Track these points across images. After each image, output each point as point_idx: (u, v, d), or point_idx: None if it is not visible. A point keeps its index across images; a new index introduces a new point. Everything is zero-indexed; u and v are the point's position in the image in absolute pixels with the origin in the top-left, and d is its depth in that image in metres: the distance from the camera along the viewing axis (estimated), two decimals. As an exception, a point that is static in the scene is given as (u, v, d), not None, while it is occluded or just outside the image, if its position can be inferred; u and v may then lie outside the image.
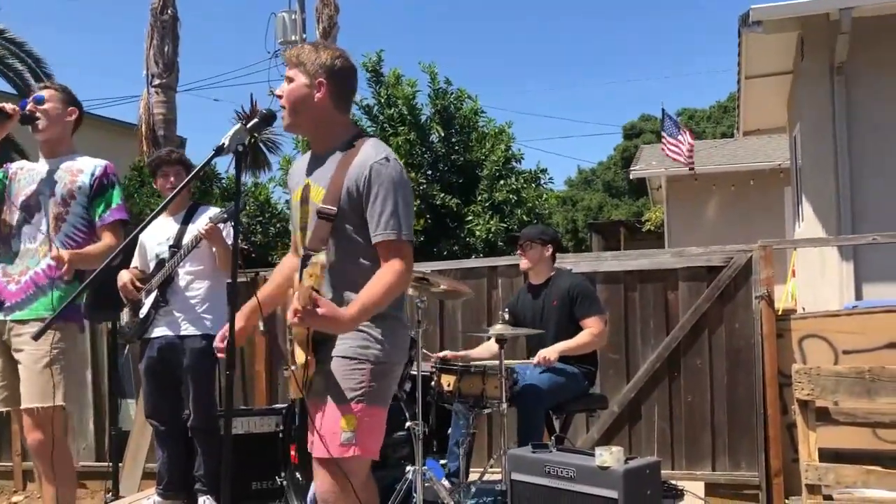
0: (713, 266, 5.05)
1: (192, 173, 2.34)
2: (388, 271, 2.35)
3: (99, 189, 3.48)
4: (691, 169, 14.01)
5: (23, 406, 3.27)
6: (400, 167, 2.44)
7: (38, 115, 3.44)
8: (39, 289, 3.36)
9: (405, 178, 2.42)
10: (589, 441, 5.05)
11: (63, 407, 3.29)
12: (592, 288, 4.50)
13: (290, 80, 2.46)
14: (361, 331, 2.39)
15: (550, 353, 4.07)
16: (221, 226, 4.16)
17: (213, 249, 4.24)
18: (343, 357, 2.39)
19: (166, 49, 12.61)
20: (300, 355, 2.42)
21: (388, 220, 2.35)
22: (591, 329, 4.20)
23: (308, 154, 2.60)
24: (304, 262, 2.41)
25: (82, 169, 3.50)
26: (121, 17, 52.73)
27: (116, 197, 3.53)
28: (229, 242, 4.28)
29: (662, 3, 55.46)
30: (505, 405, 3.77)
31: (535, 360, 4.10)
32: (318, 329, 2.34)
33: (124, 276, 4.23)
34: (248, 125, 2.32)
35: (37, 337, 2.57)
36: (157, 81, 12.59)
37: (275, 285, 2.69)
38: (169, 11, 12.63)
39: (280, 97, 2.47)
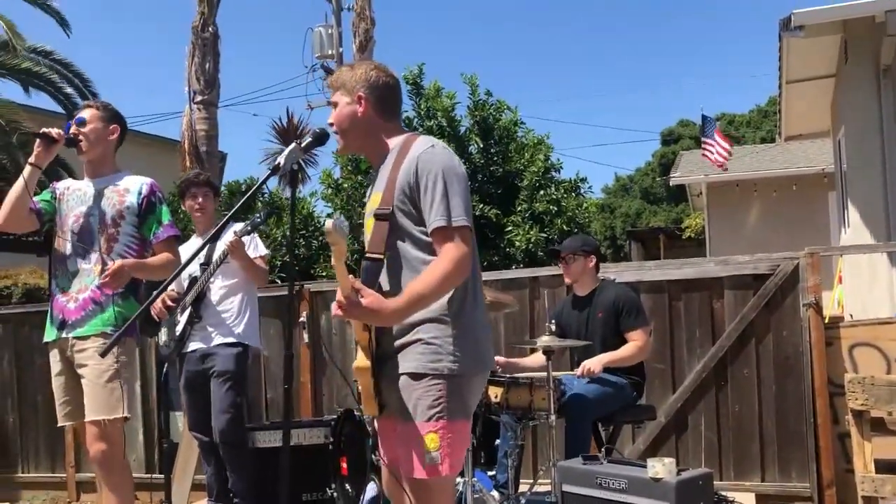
0: (759, 274, 5.00)
1: (251, 191, 2.40)
2: (441, 258, 2.26)
3: (148, 208, 3.57)
4: (725, 169, 13.94)
5: (88, 419, 3.36)
6: (448, 153, 2.39)
7: (80, 137, 3.50)
8: (98, 305, 3.44)
9: (455, 164, 2.36)
10: (635, 452, 5.02)
11: (126, 418, 3.39)
12: (638, 299, 4.48)
13: (335, 104, 2.49)
14: (430, 343, 2.30)
15: (594, 364, 4.07)
16: (248, 238, 4.24)
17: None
18: (415, 374, 2.30)
19: (207, 66, 12.84)
20: (362, 360, 2.36)
21: (437, 207, 2.28)
22: (635, 342, 4.18)
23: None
24: (367, 266, 2.37)
25: (129, 188, 3.57)
26: (161, 35, 53.78)
27: (166, 214, 3.61)
28: (257, 254, 4.36)
29: (699, 6, 54.99)
30: (553, 417, 3.77)
31: (578, 371, 4.10)
32: (363, 321, 2.28)
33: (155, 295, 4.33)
34: (303, 145, 2.37)
35: (104, 353, 2.64)
36: (198, 98, 12.81)
37: None
38: (210, 29, 12.86)
39: (332, 125, 2.49)
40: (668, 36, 54.15)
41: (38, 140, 3.42)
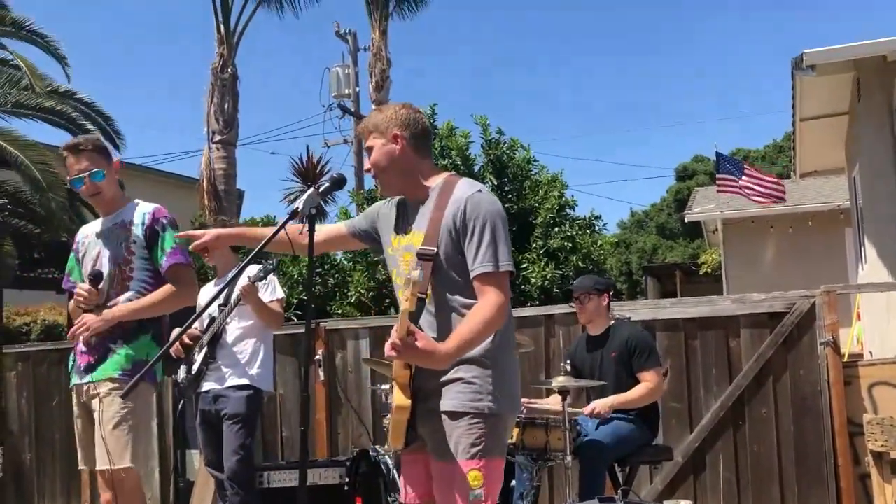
0: (775, 312, 4.99)
1: (269, 237, 2.43)
2: (486, 304, 2.32)
3: (152, 238, 3.40)
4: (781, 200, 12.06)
5: (97, 467, 3.28)
6: (494, 198, 2.45)
7: (98, 191, 3.41)
8: (108, 350, 3.34)
9: (500, 210, 2.42)
10: (653, 492, 4.98)
11: (131, 467, 3.25)
12: (651, 339, 4.46)
13: (370, 148, 2.51)
14: (471, 382, 2.35)
15: (602, 406, 4.04)
16: (266, 281, 4.29)
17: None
18: (455, 412, 2.35)
19: (226, 106, 13.06)
20: (400, 398, 2.37)
21: (484, 252, 2.33)
22: (646, 383, 4.15)
23: (394, 201, 2.61)
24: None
25: (133, 220, 3.43)
26: (179, 74, 54.70)
27: (169, 241, 3.40)
28: (274, 297, 4.39)
29: (711, 41, 55.39)
30: (569, 458, 3.76)
31: (586, 410, 4.08)
32: (414, 363, 2.33)
33: (174, 336, 4.37)
34: (321, 189, 2.42)
35: (125, 396, 2.60)
36: (217, 137, 13.01)
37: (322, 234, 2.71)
38: (229, 70, 13.11)
39: (369, 171, 2.55)
40: (681, 70, 54.51)
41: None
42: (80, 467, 3.53)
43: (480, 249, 2.34)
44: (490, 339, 2.36)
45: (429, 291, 2.40)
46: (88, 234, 3.56)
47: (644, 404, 4.18)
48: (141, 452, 3.34)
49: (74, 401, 3.48)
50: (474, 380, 2.35)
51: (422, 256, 2.39)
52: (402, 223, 2.53)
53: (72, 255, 3.59)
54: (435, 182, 2.49)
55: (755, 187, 11.71)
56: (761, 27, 52.54)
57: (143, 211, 3.45)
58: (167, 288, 3.36)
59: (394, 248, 2.54)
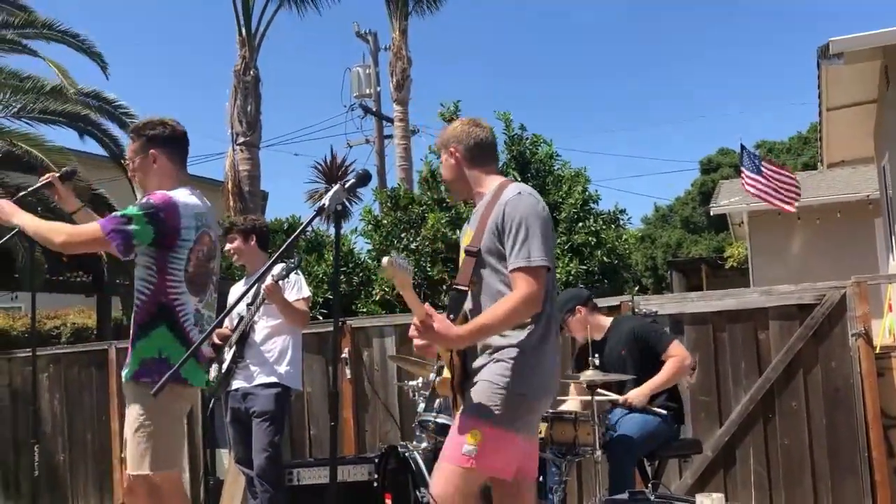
0: (805, 304, 4.93)
1: (296, 233, 2.44)
2: (513, 295, 2.55)
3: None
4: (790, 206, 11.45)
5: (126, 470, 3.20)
6: (535, 200, 2.69)
7: (135, 180, 3.32)
8: (133, 348, 3.16)
9: (539, 209, 2.66)
10: (683, 487, 4.94)
11: (150, 475, 3.07)
12: (653, 321, 4.47)
13: (441, 162, 2.90)
14: (505, 361, 2.59)
15: (636, 397, 4.01)
16: (292, 278, 4.32)
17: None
18: (484, 381, 2.60)
19: (249, 108, 13.13)
20: (446, 373, 2.71)
21: (519, 249, 2.57)
22: (674, 357, 4.10)
23: None
24: (454, 295, 2.68)
25: None
26: (200, 75, 55.18)
27: (123, 210, 3.09)
28: (300, 295, 4.41)
29: (735, 33, 54.85)
30: (599, 452, 3.74)
31: (620, 399, 4.06)
32: (433, 342, 2.58)
33: (204, 336, 4.38)
34: (346, 186, 2.42)
35: (155, 394, 2.56)
36: (241, 139, 13.09)
37: None
38: (251, 72, 13.17)
39: (444, 181, 2.96)
40: (704, 63, 54.02)
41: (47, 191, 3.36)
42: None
43: (516, 246, 2.57)
44: (531, 329, 2.59)
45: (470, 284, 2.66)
46: None
47: (679, 379, 4.12)
48: (164, 458, 3.09)
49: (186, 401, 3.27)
50: (508, 359, 2.58)
51: (467, 253, 2.68)
52: (467, 225, 2.85)
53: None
54: (489, 187, 2.77)
55: (772, 189, 11.42)
56: (787, 15, 51.93)
57: (150, 193, 3.22)
58: (65, 226, 3.14)
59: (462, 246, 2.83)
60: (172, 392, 3.04)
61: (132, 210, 3.06)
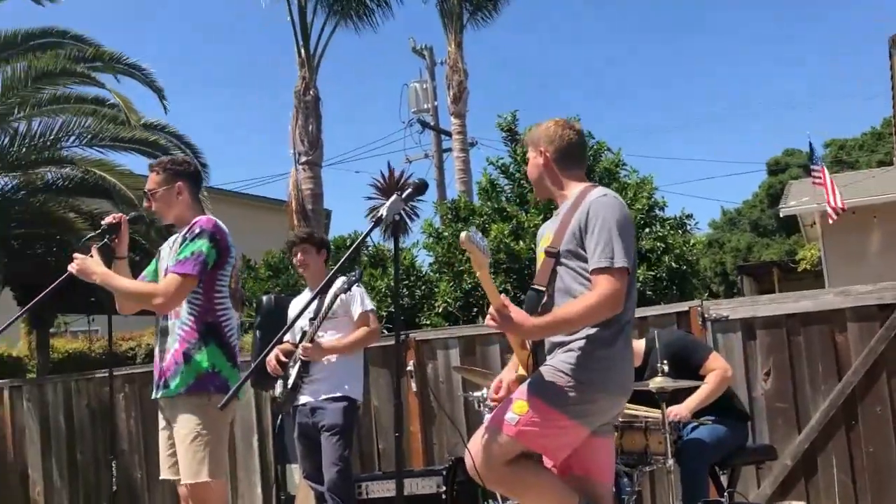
0: (885, 304, 4.72)
1: (355, 244, 2.45)
2: (592, 294, 2.56)
3: (181, 245, 3.34)
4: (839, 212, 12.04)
5: (182, 481, 3.30)
6: (618, 202, 2.69)
7: (152, 209, 3.49)
8: (177, 366, 3.31)
9: (623, 212, 2.66)
10: (762, 496, 4.77)
11: (208, 482, 3.21)
12: (685, 332, 4.43)
13: (528, 160, 2.90)
14: (571, 350, 2.61)
15: (680, 412, 3.86)
16: (355, 290, 4.34)
17: (355, 318, 4.41)
18: (549, 365, 2.64)
19: (310, 128, 13.34)
20: (521, 371, 2.74)
21: (602, 250, 2.57)
22: (716, 371, 3.95)
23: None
24: (531, 295, 2.70)
25: (184, 231, 3.42)
26: (259, 100, 56.41)
27: (187, 250, 3.29)
28: (363, 308, 4.41)
29: (793, 35, 53.43)
30: (671, 461, 3.64)
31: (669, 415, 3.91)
32: (507, 332, 2.61)
33: (272, 353, 4.44)
34: (404, 195, 2.42)
35: (223, 406, 2.63)
36: (303, 159, 13.29)
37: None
38: (311, 92, 13.39)
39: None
40: (767, 65, 52.79)
41: (106, 236, 3.40)
42: (161, 477, 3.52)
43: (599, 246, 2.58)
44: (609, 328, 2.60)
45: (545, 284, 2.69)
46: (167, 244, 3.62)
47: (721, 392, 3.96)
48: (220, 468, 3.27)
49: (160, 413, 3.48)
50: (580, 350, 2.60)
51: (547, 253, 2.71)
52: (546, 227, 2.86)
53: (154, 260, 3.64)
54: (573, 192, 2.78)
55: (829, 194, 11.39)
56: (853, 6, 50.36)
57: (194, 221, 3.42)
58: (147, 286, 3.39)
59: (539, 249, 2.85)
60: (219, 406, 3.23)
61: (198, 243, 3.29)
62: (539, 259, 2.81)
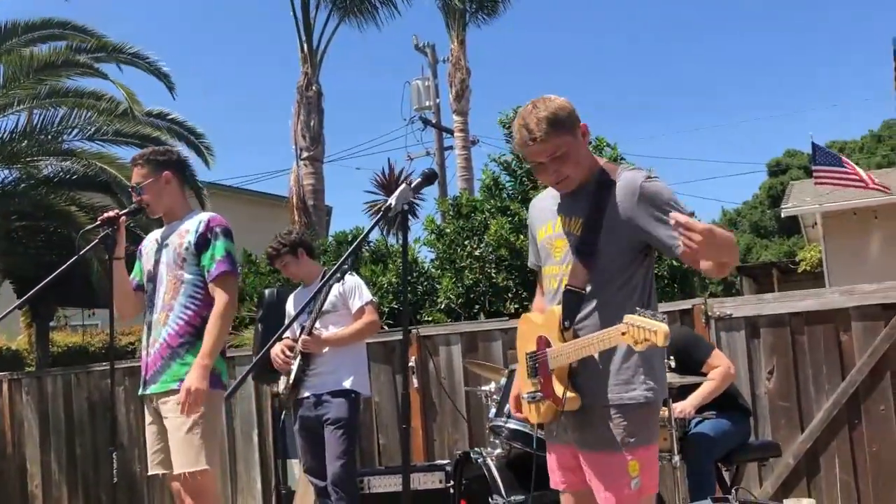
0: (890, 303, 4.71)
1: (362, 237, 2.43)
2: None
3: (203, 244, 3.38)
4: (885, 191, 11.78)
5: (174, 472, 3.32)
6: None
7: (143, 203, 3.44)
8: (164, 361, 3.37)
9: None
10: (763, 495, 4.75)
11: (207, 469, 3.29)
12: (689, 329, 4.40)
13: (559, 155, 2.38)
14: (627, 370, 2.36)
15: (685, 409, 3.87)
16: (349, 280, 4.34)
17: (353, 311, 4.40)
18: (616, 405, 2.36)
19: (312, 123, 13.31)
20: (558, 388, 2.39)
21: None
22: (720, 368, 3.95)
23: (548, 192, 2.57)
24: (565, 295, 2.42)
25: (188, 229, 3.44)
26: (263, 92, 56.35)
27: (220, 249, 3.38)
28: (362, 301, 4.39)
29: (798, 33, 53.45)
30: (677, 458, 3.62)
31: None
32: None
33: (276, 348, 4.42)
34: (413, 185, 2.39)
35: (228, 397, 2.66)
36: (305, 154, 13.26)
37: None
38: (313, 88, 13.37)
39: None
40: (767, 65, 52.78)
41: (107, 232, 3.35)
42: (149, 473, 3.56)
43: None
44: None
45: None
46: (151, 240, 3.61)
47: (724, 388, 3.96)
48: (215, 457, 3.36)
49: (147, 408, 3.56)
50: (631, 368, 2.36)
51: (583, 245, 2.39)
52: (560, 209, 2.49)
53: (137, 257, 3.65)
54: (593, 171, 2.43)
55: (855, 177, 11.23)
56: (852, 11, 50.40)
57: (199, 219, 3.46)
58: (219, 310, 3.33)
59: (546, 232, 2.52)
60: (218, 396, 3.36)
61: (220, 243, 3.39)
62: (557, 245, 2.50)
